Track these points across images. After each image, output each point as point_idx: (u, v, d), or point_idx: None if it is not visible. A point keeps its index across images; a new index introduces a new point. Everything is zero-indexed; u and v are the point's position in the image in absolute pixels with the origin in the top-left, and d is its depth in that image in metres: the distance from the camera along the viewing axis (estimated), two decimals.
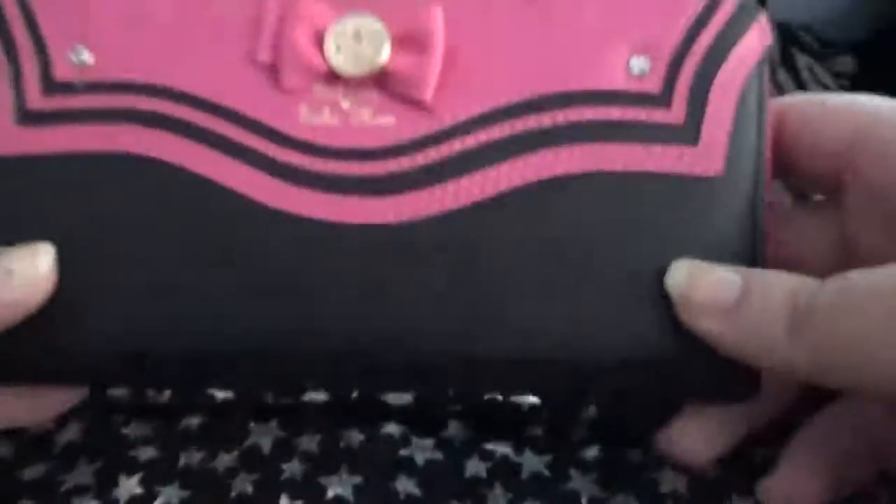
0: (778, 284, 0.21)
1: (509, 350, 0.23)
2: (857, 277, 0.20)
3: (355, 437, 0.27)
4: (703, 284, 0.22)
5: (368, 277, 0.23)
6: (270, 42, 0.23)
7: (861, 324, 0.19)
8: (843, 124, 0.23)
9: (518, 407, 0.28)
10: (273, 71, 0.23)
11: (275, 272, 0.23)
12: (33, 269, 0.22)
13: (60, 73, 0.24)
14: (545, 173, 0.23)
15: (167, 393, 0.29)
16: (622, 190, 0.23)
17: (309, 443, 0.27)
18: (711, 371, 0.22)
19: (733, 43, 0.23)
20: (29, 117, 0.24)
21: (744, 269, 0.22)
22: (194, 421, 0.28)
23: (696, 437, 0.24)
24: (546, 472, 0.26)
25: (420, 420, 0.28)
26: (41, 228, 0.23)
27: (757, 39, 0.23)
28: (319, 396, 0.28)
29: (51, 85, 0.24)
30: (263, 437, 0.27)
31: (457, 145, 0.23)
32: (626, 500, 0.25)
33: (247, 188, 0.23)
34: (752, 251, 0.23)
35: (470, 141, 0.23)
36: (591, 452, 0.27)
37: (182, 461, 0.26)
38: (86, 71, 0.24)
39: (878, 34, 0.54)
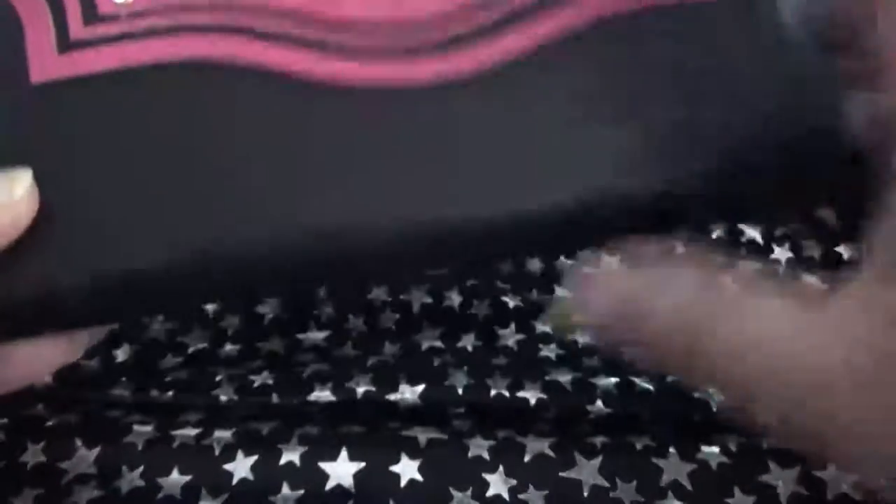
0: None
1: (576, 191, 0.21)
2: None
3: (357, 428, 0.27)
4: None
5: (425, 138, 0.21)
6: None
7: None
8: None
9: (525, 402, 0.28)
10: None
11: (324, 144, 0.22)
12: (6, 196, 0.22)
13: (103, 9, 0.23)
14: (607, 9, 0.22)
15: (169, 393, 0.29)
16: (679, 20, 0.22)
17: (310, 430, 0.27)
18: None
19: None
20: (72, 45, 0.23)
21: None
22: (193, 417, 0.28)
23: None
24: (550, 453, 0.26)
25: (425, 417, 0.28)
26: (91, 147, 0.22)
27: None
28: (324, 395, 0.28)
29: (94, 17, 0.23)
30: (264, 424, 0.27)
31: (506, 7, 0.22)
32: (627, 489, 0.26)
33: (299, 68, 0.22)
34: None
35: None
36: (598, 438, 0.27)
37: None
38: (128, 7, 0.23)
39: None
